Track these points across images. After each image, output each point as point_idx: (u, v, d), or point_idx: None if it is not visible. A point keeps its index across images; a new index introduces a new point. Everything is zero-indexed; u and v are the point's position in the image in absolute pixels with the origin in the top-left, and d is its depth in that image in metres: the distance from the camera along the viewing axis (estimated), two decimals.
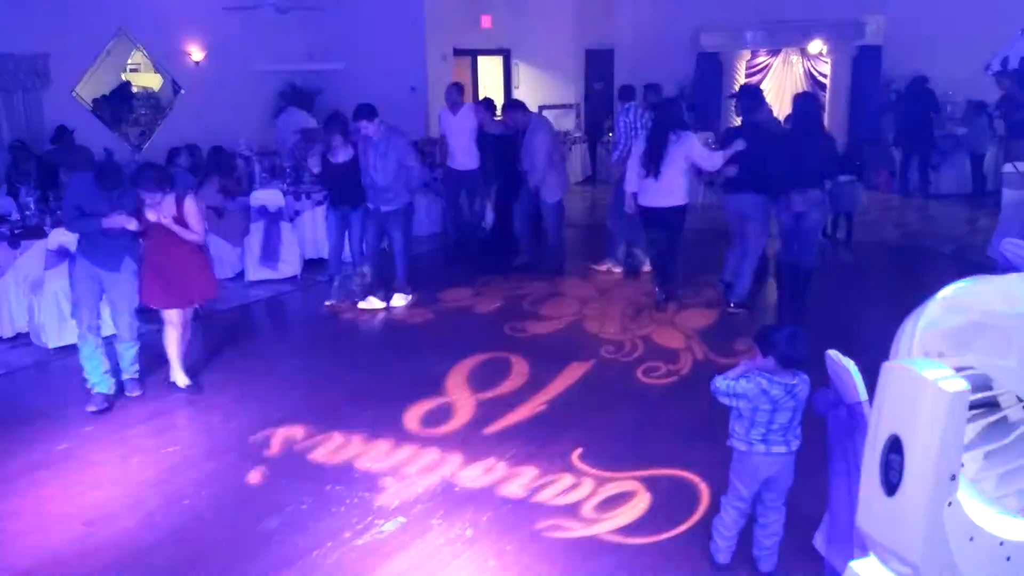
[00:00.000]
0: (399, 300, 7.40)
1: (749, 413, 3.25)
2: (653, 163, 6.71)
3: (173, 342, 5.51)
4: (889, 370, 2.14)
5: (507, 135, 8.52)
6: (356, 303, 7.33)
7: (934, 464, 1.99)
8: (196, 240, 5.33)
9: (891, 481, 2.08)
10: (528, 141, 8.12)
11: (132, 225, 5.07)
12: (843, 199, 8.98)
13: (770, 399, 3.19)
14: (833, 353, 3.09)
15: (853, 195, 9.20)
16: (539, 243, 8.74)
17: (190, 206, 5.23)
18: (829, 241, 9.24)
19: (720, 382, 3.28)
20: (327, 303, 7.39)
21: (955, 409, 1.96)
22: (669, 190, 6.78)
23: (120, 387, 5.52)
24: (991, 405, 2.21)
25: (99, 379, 5.35)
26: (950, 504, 2.04)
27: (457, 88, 9.13)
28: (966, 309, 2.18)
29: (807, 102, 6.75)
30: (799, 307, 6.55)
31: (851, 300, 7.36)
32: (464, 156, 8.99)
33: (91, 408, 5.26)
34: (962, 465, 2.04)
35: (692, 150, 6.75)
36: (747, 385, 3.21)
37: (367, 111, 6.87)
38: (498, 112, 9.00)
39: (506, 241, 8.90)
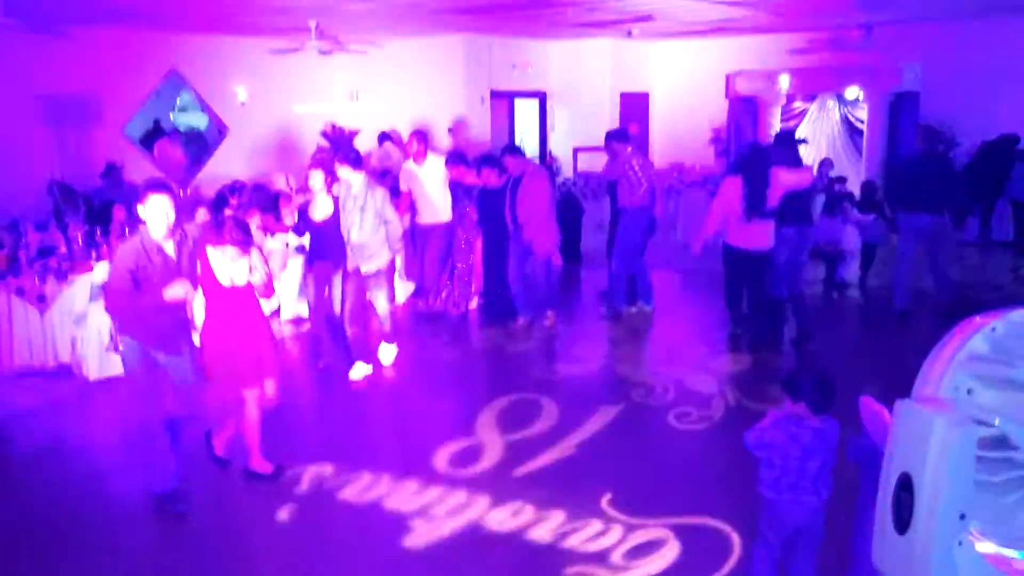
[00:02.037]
0: (360, 371, 6.57)
1: (780, 461, 3.23)
2: (757, 205, 6.65)
3: (253, 424, 4.79)
4: (901, 407, 2.15)
5: (491, 189, 7.75)
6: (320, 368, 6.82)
7: (942, 502, 1.99)
8: (269, 299, 4.88)
9: (902, 518, 2.09)
10: (524, 190, 7.53)
11: (193, 294, 4.38)
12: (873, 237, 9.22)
13: (800, 446, 3.18)
14: (868, 400, 3.07)
15: (880, 233, 9.37)
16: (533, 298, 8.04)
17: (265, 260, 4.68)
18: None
19: (750, 436, 3.28)
20: (321, 364, 6.82)
21: (963, 447, 1.97)
22: (767, 231, 6.80)
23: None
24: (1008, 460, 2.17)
25: (169, 477, 4.49)
26: (960, 544, 2.03)
27: (420, 136, 8.26)
28: (1013, 362, 2.10)
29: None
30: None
31: (887, 345, 7.26)
32: (433, 210, 8.19)
33: (176, 510, 4.45)
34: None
35: (789, 180, 6.76)
36: (775, 433, 3.20)
37: (353, 157, 6.38)
38: (470, 165, 8.20)
39: (501, 304, 8.04)
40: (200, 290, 4.52)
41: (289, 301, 8.27)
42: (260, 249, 4.72)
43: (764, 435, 3.24)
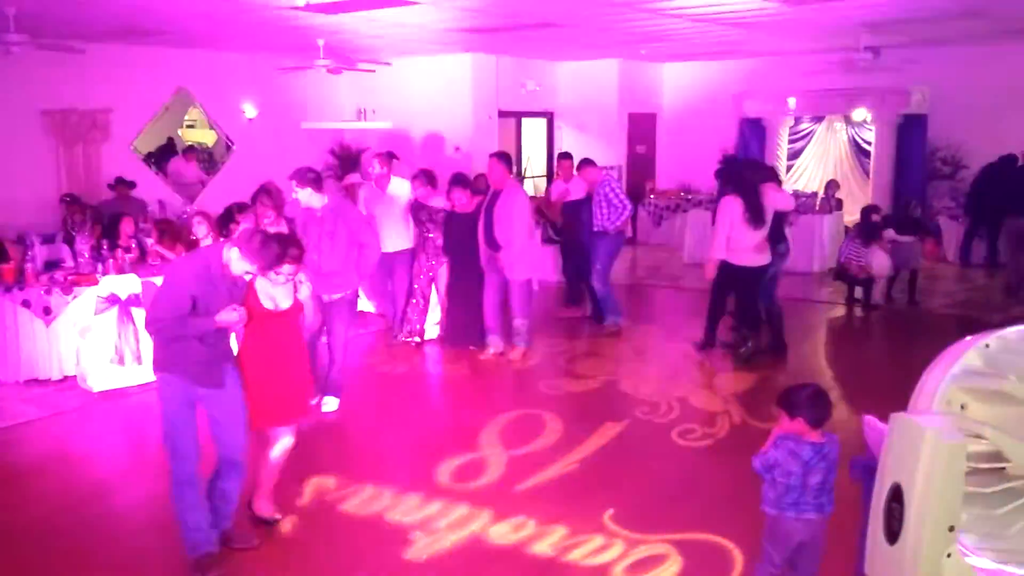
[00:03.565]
0: (331, 404, 6.10)
1: (782, 478, 3.22)
2: (759, 220, 6.91)
3: (278, 465, 4.36)
4: (895, 420, 2.16)
5: (461, 213, 7.29)
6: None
7: (931, 514, 1.98)
8: (312, 328, 4.39)
9: (892, 529, 2.08)
10: (501, 208, 7.07)
11: (243, 322, 3.90)
12: (902, 258, 9.24)
13: (800, 462, 3.17)
14: (870, 418, 3.05)
15: (913, 254, 9.43)
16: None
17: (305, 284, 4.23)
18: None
19: (756, 462, 3.27)
20: None
21: (952, 461, 1.97)
22: (765, 247, 7.09)
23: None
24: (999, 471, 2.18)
25: (206, 536, 3.97)
26: (949, 555, 2.02)
27: (385, 157, 7.76)
28: (1005, 374, 2.14)
29: None
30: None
31: (892, 366, 7.23)
32: (395, 236, 7.59)
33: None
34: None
35: (778, 200, 7.14)
36: (776, 452, 3.20)
37: (312, 178, 5.79)
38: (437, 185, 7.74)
39: (466, 332, 7.60)
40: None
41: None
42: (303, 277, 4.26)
43: (767, 456, 3.23)
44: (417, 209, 7.64)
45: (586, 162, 8.60)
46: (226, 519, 4.15)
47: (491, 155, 7.47)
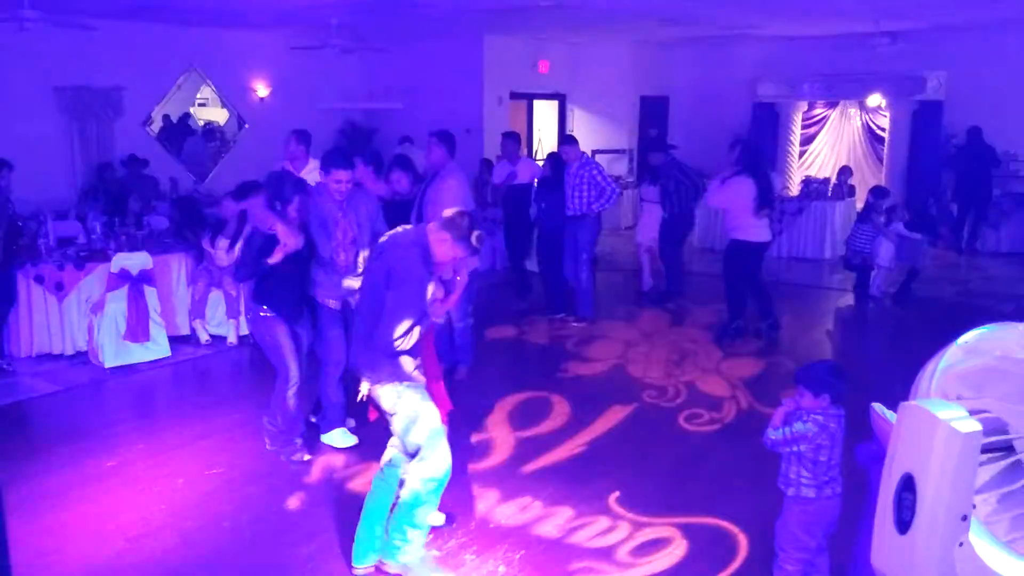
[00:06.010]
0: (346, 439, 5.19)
1: (812, 454, 3.20)
2: (768, 201, 7.21)
3: None
4: (905, 409, 2.16)
5: (400, 200, 6.08)
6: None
7: (945, 504, 2.00)
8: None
9: (903, 519, 2.09)
10: (435, 192, 5.95)
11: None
12: (905, 253, 8.96)
13: (830, 435, 3.18)
14: (878, 407, 3.05)
15: (918, 252, 9.09)
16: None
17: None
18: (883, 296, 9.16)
19: (775, 433, 3.23)
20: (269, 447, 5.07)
21: (967, 450, 1.98)
22: (767, 225, 7.37)
23: None
24: (1007, 449, 2.20)
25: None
26: (961, 545, 2.03)
27: (299, 136, 6.74)
28: (985, 353, 2.20)
29: None
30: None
31: (900, 355, 7.22)
32: None
33: None
34: (975, 507, 2.03)
35: (776, 182, 7.54)
36: (804, 426, 3.17)
37: (338, 159, 4.87)
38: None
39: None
40: None
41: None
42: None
43: (793, 429, 3.17)
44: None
45: (568, 139, 8.13)
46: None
47: (431, 133, 6.23)
